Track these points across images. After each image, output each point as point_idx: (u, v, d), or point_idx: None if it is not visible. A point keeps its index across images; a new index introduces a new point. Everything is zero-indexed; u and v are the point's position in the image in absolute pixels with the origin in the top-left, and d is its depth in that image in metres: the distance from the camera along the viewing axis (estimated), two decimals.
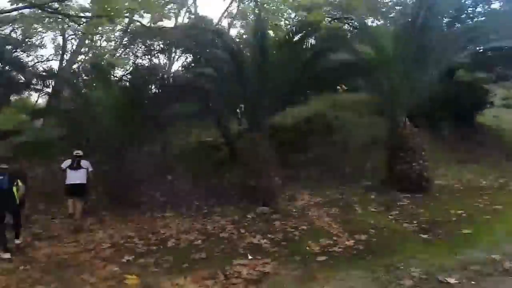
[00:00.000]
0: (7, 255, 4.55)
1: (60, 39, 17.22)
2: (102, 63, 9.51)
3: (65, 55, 16.47)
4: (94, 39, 15.33)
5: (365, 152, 8.69)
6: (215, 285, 3.89)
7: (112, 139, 7.06)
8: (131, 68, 12.60)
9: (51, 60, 17.66)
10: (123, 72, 12.85)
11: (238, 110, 7.89)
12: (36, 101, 24.07)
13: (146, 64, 12.44)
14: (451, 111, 8.78)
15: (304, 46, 6.30)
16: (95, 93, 7.26)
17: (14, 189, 4.81)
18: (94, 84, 7.92)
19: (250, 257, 4.69)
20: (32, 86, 8.48)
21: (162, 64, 14.28)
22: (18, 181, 4.91)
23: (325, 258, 4.41)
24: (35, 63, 15.65)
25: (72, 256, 4.82)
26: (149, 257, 4.75)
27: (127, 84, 9.30)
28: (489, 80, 8.65)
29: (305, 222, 5.81)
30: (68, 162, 6.32)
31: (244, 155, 6.95)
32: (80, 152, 6.40)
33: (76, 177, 6.21)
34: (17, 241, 4.93)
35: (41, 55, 17.01)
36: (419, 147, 6.78)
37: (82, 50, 15.93)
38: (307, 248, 4.80)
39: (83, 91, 7.90)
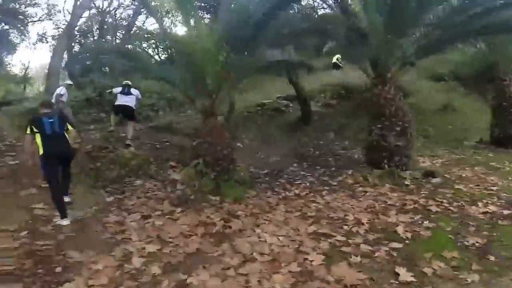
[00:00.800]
0: (66, 221, 3.50)
1: None
2: None
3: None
4: None
5: (432, 115, 8.36)
6: None
7: (206, 92, 4.50)
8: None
9: (43, 20, 15.99)
10: None
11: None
12: (27, 68, 20.42)
13: None
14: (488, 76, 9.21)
15: None
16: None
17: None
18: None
19: None
20: None
21: None
22: (68, 125, 3.95)
23: None
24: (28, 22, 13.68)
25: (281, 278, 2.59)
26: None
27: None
28: None
29: (479, 182, 4.92)
30: (119, 89, 6.50)
31: (376, 110, 5.46)
32: (129, 82, 6.53)
33: (125, 100, 6.37)
34: (67, 199, 3.92)
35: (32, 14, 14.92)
36: None
37: None
38: None
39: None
